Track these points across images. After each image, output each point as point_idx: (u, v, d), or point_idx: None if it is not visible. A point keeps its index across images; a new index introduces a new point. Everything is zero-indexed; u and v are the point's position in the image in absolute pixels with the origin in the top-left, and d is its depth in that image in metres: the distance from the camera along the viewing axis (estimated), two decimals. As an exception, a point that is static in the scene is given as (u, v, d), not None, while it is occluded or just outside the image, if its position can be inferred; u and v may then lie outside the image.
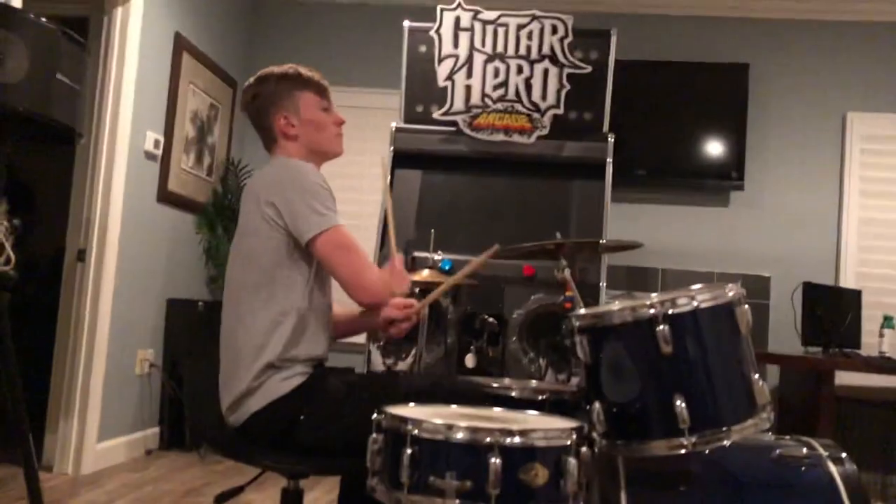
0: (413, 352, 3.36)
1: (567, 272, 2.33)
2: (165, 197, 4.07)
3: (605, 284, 3.38)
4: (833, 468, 1.75)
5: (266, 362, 1.87)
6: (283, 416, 1.86)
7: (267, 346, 1.88)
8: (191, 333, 4.28)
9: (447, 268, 3.35)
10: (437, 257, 3.33)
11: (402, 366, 3.43)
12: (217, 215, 4.51)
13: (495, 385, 2.23)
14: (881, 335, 3.80)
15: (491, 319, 3.35)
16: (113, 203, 3.59)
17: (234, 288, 1.97)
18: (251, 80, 2.13)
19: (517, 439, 1.47)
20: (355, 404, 1.66)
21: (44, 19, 2.39)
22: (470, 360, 3.35)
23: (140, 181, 3.83)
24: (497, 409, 1.85)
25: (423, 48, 3.69)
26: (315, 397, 1.89)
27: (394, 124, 3.67)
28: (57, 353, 3.53)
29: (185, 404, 4.07)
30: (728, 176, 4.46)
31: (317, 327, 1.95)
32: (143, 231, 3.89)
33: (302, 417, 1.86)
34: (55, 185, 3.92)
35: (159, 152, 3.99)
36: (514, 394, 2.13)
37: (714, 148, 4.50)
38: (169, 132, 4.07)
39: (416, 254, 3.40)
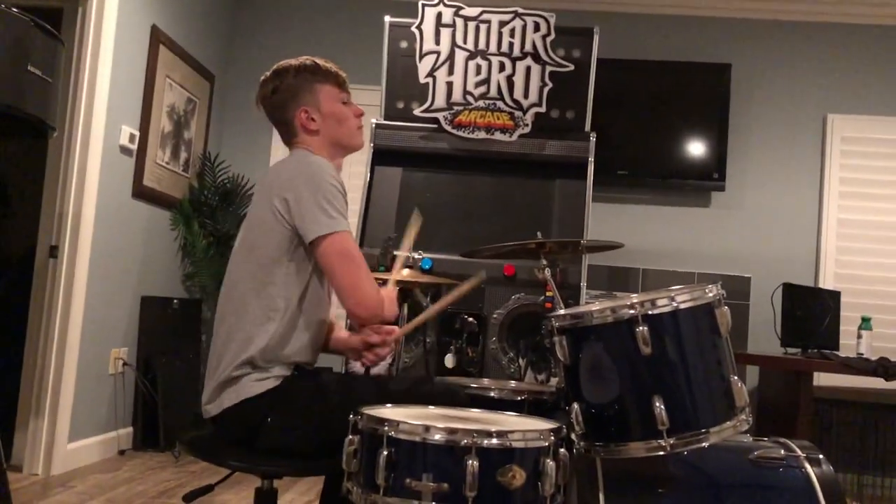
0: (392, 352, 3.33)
1: (548, 272, 2.31)
2: (140, 192, 4.00)
3: (585, 284, 3.37)
4: (810, 469, 1.75)
5: (248, 356, 1.84)
6: (251, 415, 1.84)
7: (253, 339, 1.85)
8: (165, 332, 4.22)
9: (427, 267, 3.33)
10: (417, 256, 3.31)
11: (382, 366, 3.39)
12: (193, 211, 4.45)
13: (474, 385, 2.21)
14: (859, 336, 3.82)
15: (471, 319, 3.33)
16: (87, 198, 3.52)
17: (233, 278, 1.94)
18: (268, 73, 2.05)
19: (495, 441, 1.45)
20: (324, 409, 1.63)
21: (15, 10, 2.34)
22: (450, 360, 3.33)
23: (114, 176, 3.77)
24: (475, 410, 1.83)
25: (404, 44, 3.67)
26: (285, 401, 1.85)
27: (374, 121, 3.63)
28: (28, 351, 3.46)
29: (160, 404, 4.01)
30: (709, 176, 4.47)
31: (306, 333, 1.90)
32: (118, 227, 3.83)
33: (269, 420, 1.83)
34: (27, 180, 3.85)
35: (134, 147, 3.92)
36: (492, 394, 2.11)
37: (695, 148, 4.51)
38: (144, 126, 4.00)
39: (396, 252, 3.37)
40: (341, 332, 2.15)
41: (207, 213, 4.51)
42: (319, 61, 2.05)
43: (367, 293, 1.84)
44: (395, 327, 2.04)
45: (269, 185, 1.92)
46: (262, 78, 2.06)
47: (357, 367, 3.32)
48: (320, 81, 2.02)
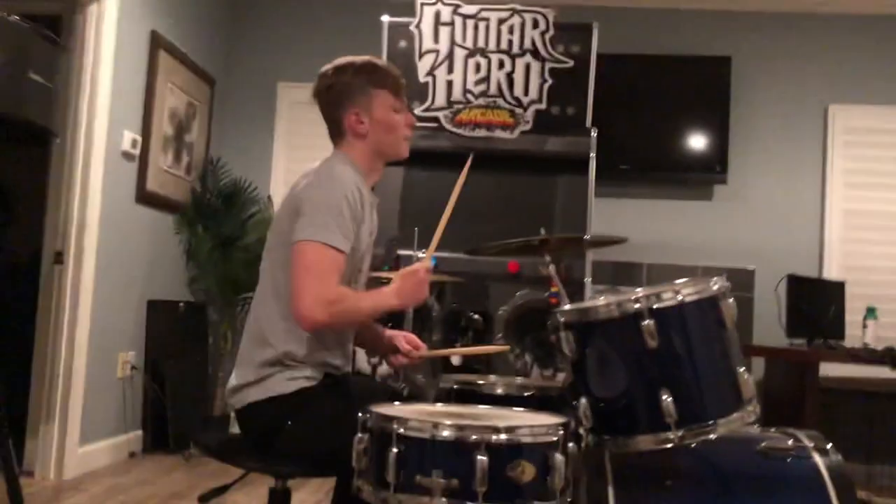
0: (398, 350, 3.33)
1: (552, 268, 2.31)
2: (144, 197, 4.01)
3: (590, 280, 3.38)
4: (819, 459, 1.74)
5: (277, 355, 1.84)
6: (272, 415, 1.83)
7: (284, 333, 1.84)
8: (172, 335, 4.23)
9: (432, 265, 3.33)
10: (421, 255, 3.31)
11: (387, 366, 3.40)
12: (197, 215, 4.46)
13: (480, 382, 2.21)
14: (865, 326, 3.82)
15: (476, 316, 3.34)
16: (90, 204, 3.53)
17: (261, 277, 1.94)
18: (329, 67, 1.99)
19: (503, 436, 1.45)
20: (345, 427, 1.61)
21: (15, 17, 2.35)
22: (456, 359, 3.33)
23: (118, 181, 3.78)
24: (483, 407, 1.83)
25: (403, 43, 3.67)
26: (309, 408, 1.84)
27: (375, 121, 3.64)
28: (36, 357, 3.48)
29: (168, 406, 4.03)
30: (711, 169, 4.47)
31: (331, 334, 1.90)
32: (122, 232, 3.84)
33: (289, 423, 1.82)
34: (31, 186, 3.86)
35: (137, 152, 3.93)
36: (499, 391, 2.12)
37: (697, 141, 4.51)
38: (146, 131, 4.01)
39: (401, 252, 3.38)
40: (380, 328, 2.16)
41: (210, 217, 4.52)
42: (380, 63, 2.00)
43: (306, 305, 1.74)
44: (423, 346, 2.09)
45: (293, 188, 1.92)
46: (322, 71, 2.01)
47: (363, 364, 3.34)
48: (376, 85, 1.96)
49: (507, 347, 2.38)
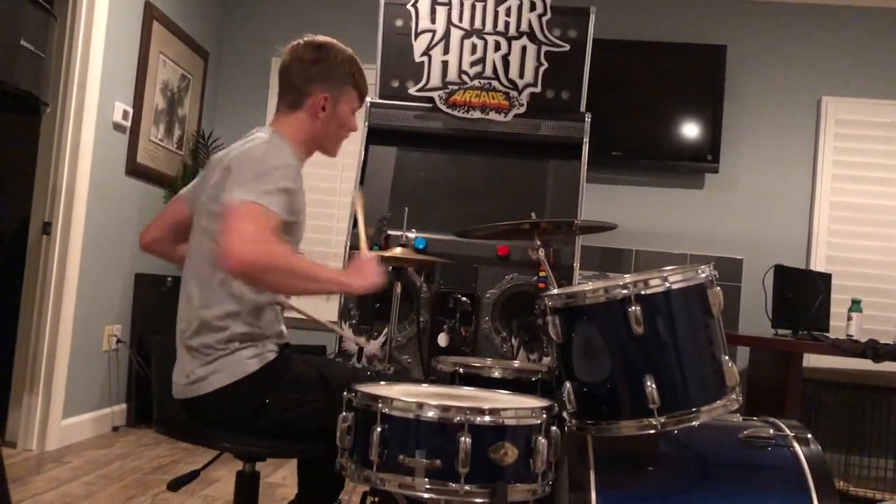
0: (385, 330, 3.34)
1: (541, 252, 2.31)
2: (134, 169, 3.99)
3: (578, 265, 3.38)
4: (798, 448, 1.76)
5: (237, 333, 1.80)
6: (248, 396, 1.81)
7: (234, 314, 1.81)
8: (159, 309, 4.22)
9: (421, 246, 3.34)
10: (410, 235, 3.31)
11: (374, 344, 3.41)
12: (188, 189, 4.43)
13: (477, 365, 2.22)
14: (849, 318, 3.85)
15: (464, 299, 3.34)
16: (80, 175, 3.51)
17: (203, 244, 1.86)
18: (320, 41, 2.00)
19: (487, 418, 1.47)
20: (324, 390, 1.62)
21: (6, -17, 2.32)
22: (443, 339, 3.34)
23: (108, 153, 3.75)
24: (468, 389, 1.84)
25: (399, 22, 3.65)
26: (282, 379, 1.84)
27: (368, 100, 3.62)
28: (21, 328, 3.46)
29: (154, 382, 4.01)
30: (703, 158, 4.48)
31: (261, 294, 1.85)
32: (111, 204, 3.81)
33: (267, 401, 1.80)
34: (20, 156, 3.82)
35: (128, 124, 3.90)
36: (484, 373, 2.13)
37: (690, 130, 4.51)
38: (138, 103, 3.98)
39: (391, 232, 3.38)
40: None
41: (201, 191, 4.49)
42: (361, 65, 2.03)
43: (231, 243, 1.62)
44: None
45: (226, 160, 1.86)
46: (306, 41, 2.00)
47: (351, 346, 3.34)
48: (353, 84, 2.00)
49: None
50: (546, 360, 3.23)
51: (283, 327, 1.94)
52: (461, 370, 2.07)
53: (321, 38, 2.01)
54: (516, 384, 2.01)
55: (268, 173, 1.74)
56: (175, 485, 1.91)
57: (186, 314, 1.89)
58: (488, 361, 2.39)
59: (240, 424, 1.82)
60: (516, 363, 2.42)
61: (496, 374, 2.08)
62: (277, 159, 1.81)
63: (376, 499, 2.22)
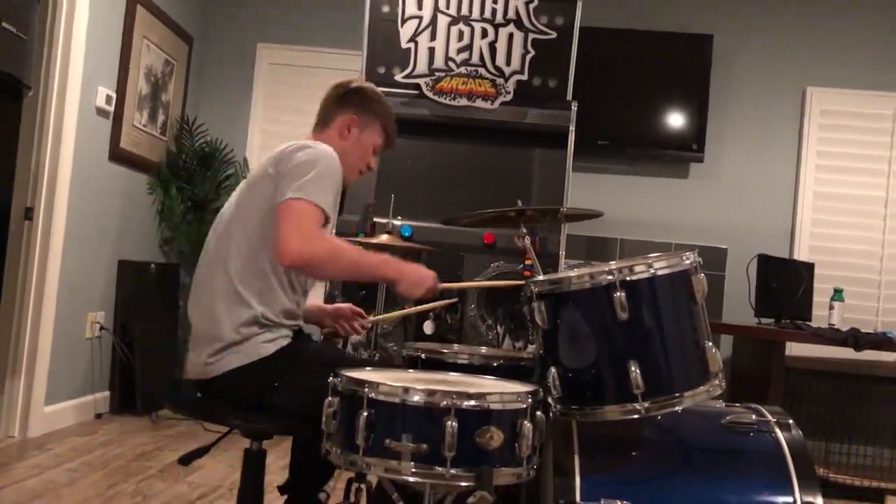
0: (370, 318, 3.34)
1: (527, 240, 2.32)
2: (117, 155, 3.95)
3: (564, 253, 3.39)
4: (780, 434, 1.78)
5: (258, 313, 1.88)
6: (261, 378, 1.86)
7: (260, 294, 1.89)
8: (142, 296, 4.19)
9: (407, 234, 3.33)
10: (396, 223, 3.30)
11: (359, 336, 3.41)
12: (171, 176, 4.41)
13: (445, 351, 2.22)
14: (831, 307, 3.89)
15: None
16: (62, 160, 3.47)
17: (242, 225, 1.95)
18: (372, 85, 2.21)
19: (473, 402, 1.47)
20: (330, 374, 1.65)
21: (-14, -37, 2.28)
22: (428, 327, 3.34)
23: (91, 138, 3.71)
24: (454, 374, 1.85)
25: (385, 8, 3.62)
26: (295, 363, 1.89)
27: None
28: (3, 314, 3.43)
29: (137, 368, 4.00)
30: (688, 147, 4.49)
31: (296, 290, 1.98)
32: (94, 190, 3.78)
33: (277, 384, 1.86)
34: (0, 140, 3.78)
35: (111, 109, 3.86)
36: (472, 360, 2.13)
37: (675, 119, 4.53)
38: (121, 88, 3.94)
39: (377, 219, 3.37)
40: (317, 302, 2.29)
41: (185, 178, 4.47)
42: (394, 121, 2.18)
43: (289, 237, 1.79)
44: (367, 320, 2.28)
45: (275, 156, 1.96)
46: (365, 80, 2.25)
47: (355, 337, 3.34)
48: (383, 127, 2.15)
49: (455, 300, 2.45)
50: (531, 347, 3.24)
51: (301, 315, 2.03)
52: (423, 356, 2.07)
53: (372, 84, 2.22)
54: (482, 370, 2.00)
55: (321, 174, 1.87)
56: (185, 459, 1.95)
57: (210, 293, 1.94)
58: (455, 347, 2.39)
59: (248, 404, 1.87)
60: (483, 349, 2.41)
61: (462, 360, 2.08)
62: (328, 158, 1.93)
63: (361, 486, 2.23)
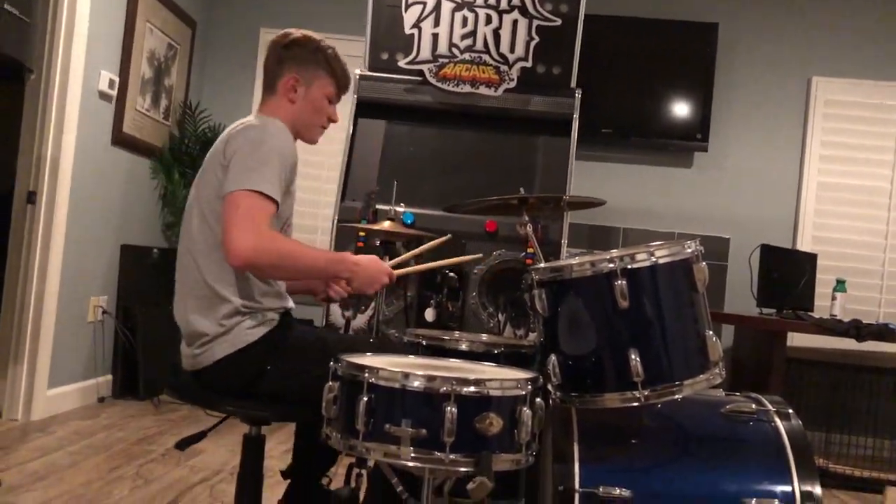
0: (372, 305, 3.34)
1: (529, 228, 2.31)
2: (120, 139, 3.95)
3: (566, 242, 3.38)
4: (780, 423, 1.77)
5: (238, 304, 1.85)
6: (249, 364, 1.85)
7: (237, 285, 1.86)
8: (145, 281, 4.20)
9: (409, 221, 3.33)
10: (399, 209, 3.30)
11: (362, 318, 3.42)
12: (174, 160, 4.40)
13: (446, 338, 2.22)
14: (833, 298, 3.88)
15: (451, 274, 3.34)
16: (65, 144, 3.47)
17: (203, 220, 1.90)
18: (300, 32, 2.05)
19: (472, 388, 1.47)
20: (326, 357, 1.64)
21: (-11, -55, 2.27)
22: (430, 315, 3.34)
23: (94, 122, 3.71)
24: (454, 360, 1.85)
25: (390, -6, 3.61)
26: (283, 347, 1.88)
27: (358, 72, 3.59)
28: (6, 298, 3.44)
29: (139, 353, 4.02)
30: (693, 137, 4.48)
31: (266, 279, 1.92)
32: (97, 174, 3.78)
33: (269, 368, 1.85)
34: (3, 124, 3.78)
35: (114, 93, 3.86)
36: (472, 347, 2.13)
37: (680, 108, 4.51)
38: (125, 72, 3.93)
39: (379, 206, 3.36)
40: None
41: (188, 163, 4.46)
42: (341, 59, 2.07)
43: (235, 240, 1.71)
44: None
45: (225, 138, 1.91)
46: (289, 31, 2.06)
47: (338, 319, 3.35)
48: (328, 71, 2.04)
49: (477, 255, 2.44)
50: (532, 335, 3.24)
51: (287, 296, 1.99)
52: (424, 342, 2.07)
53: (303, 31, 2.06)
54: (483, 357, 2.01)
55: (266, 159, 1.80)
56: (182, 444, 1.95)
57: (188, 290, 1.92)
58: (456, 334, 2.39)
59: (244, 390, 1.86)
60: (484, 336, 2.42)
61: (463, 346, 2.08)
62: (275, 141, 1.86)
63: (362, 471, 2.24)
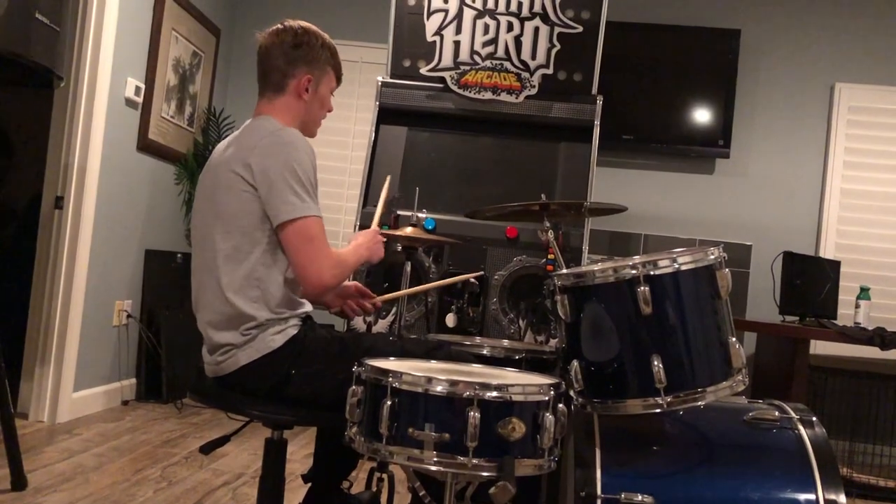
0: (393, 310, 3.36)
1: (550, 234, 2.32)
2: (146, 146, 4.00)
3: (587, 248, 3.39)
4: (803, 431, 1.76)
5: (262, 319, 1.87)
6: (274, 370, 1.87)
7: (256, 302, 1.87)
8: (169, 285, 4.25)
9: (430, 227, 3.35)
10: (420, 215, 3.32)
11: (383, 324, 3.43)
12: (198, 167, 4.45)
13: (468, 343, 2.24)
14: (857, 306, 3.84)
15: (473, 280, 3.35)
16: (92, 150, 3.52)
17: (210, 244, 1.91)
18: (300, 26, 2.06)
19: (496, 394, 1.48)
20: (347, 361, 1.65)
21: (22, -44, 2.32)
22: (450, 320, 3.36)
23: (120, 129, 3.76)
24: (477, 366, 1.86)
25: (412, 1, 3.63)
26: (306, 352, 1.89)
27: (380, 79, 3.62)
28: (33, 301, 3.50)
29: (163, 356, 4.06)
30: (714, 143, 4.46)
31: (294, 285, 1.95)
32: (123, 180, 3.84)
33: (293, 372, 1.87)
34: (32, 130, 3.85)
35: (140, 100, 3.91)
36: (494, 353, 2.14)
37: (701, 115, 4.49)
38: (150, 79, 3.99)
39: (400, 212, 3.38)
40: None
41: (212, 169, 4.51)
42: (338, 56, 2.13)
43: (316, 273, 1.85)
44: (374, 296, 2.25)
45: (234, 150, 1.91)
46: (286, 26, 2.05)
47: (359, 324, 3.37)
48: (333, 67, 2.09)
49: (475, 273, 2.49)
50: (553, 341, 3.24)
51: (305, 301, 2.01)
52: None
53: (301, 22, 2.09)
54: (505, 363, 2.02)
55: (307, 179, 1.86)
56: (207, 448, 1.97)
57: (207, 305, 1.93)
58: (477, 340, 2.40)
59: (267, 395, 1.88)
60: (505, 342, 2.42)
61: (485, 351, 2.10)
62: (303, 154, 1.88)
63: (383, 475, 2.25)
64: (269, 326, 1.88)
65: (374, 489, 2.25)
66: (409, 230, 2.70)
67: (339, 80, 2.13)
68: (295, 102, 2.02)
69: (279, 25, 2.07)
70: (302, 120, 2.04)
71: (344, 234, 4.53)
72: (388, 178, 2.58)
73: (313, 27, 2.09)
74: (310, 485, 2.16)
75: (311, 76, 2.02)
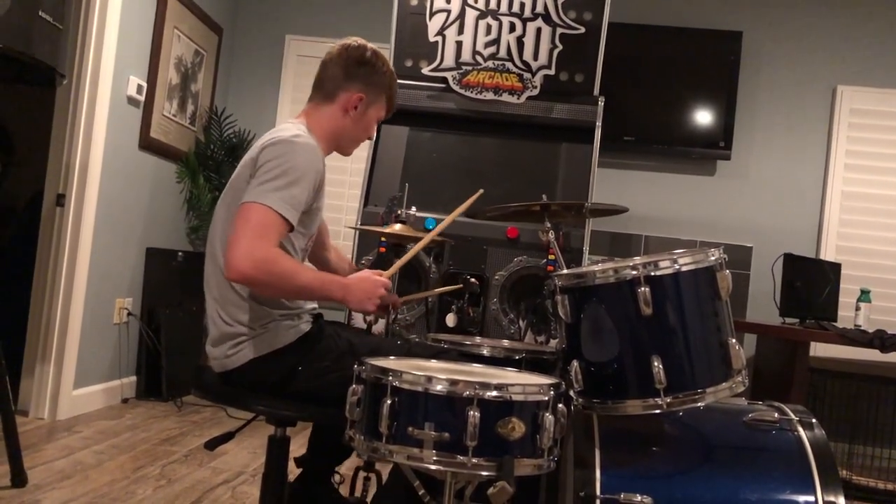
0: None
1: (551, 235, 2.32)
2: (147, 144, 4.01)
3: (587, 249, 3.39)
4: (802, 433, 1.76)
5: (269, 313, 1.87)
6: (281, 365, 1.87)
7: (261, 300, 1.88)
8: (170, 284, 4.25)
9: (431, 227, 3.34)
10: (413, 213, 3.32)
11: (383, 323, 3.43)
12: (199, 165, 4.46)
13: (468, 343, 2.24)
14: (857, 308, 3.84)
15: (473, 280, 3.35)
16: (94, 148, 3.53)
17: (222, 235, 1.92)
18: (368, 46, 2.05)
19: (495, 393, 1.48)
20: (354, 359, 1.65)
21: (25, -46, 2.32)
22: (450, 320, 3.35)
23: (122, 127, 3.77)
24: (476, 365, 1.86)
25: (414, 1, 3.64)
26: (315, 348, 1.90)
27: (381, 79, 3.61)
28: (34, 298, 3.50)
29: (163, 354, 4.06)
30: (716, 145, 4.47)
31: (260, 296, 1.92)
32: (124, 178, 3.84)
33: (300, 368, 1.87)
34: (34, 128, 3.85)
35: (142, 98, 3.92)
36: (494, 353, 2.14)
37: (703, 116, 4.50)
38: (152, 78, 3.99)
39: (400, 211, 3.38)
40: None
41: (213, 168, 4.52)
42: (397, 88, 2.12)
43: (236, 256, 1.72)
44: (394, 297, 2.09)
45: (259, 146, 1.92)
46: (359, 43, 2.04)
47: (359, 321, 3.37)
48: (387, 96, 2.08)
49: (480, 192, 2.37)
50: (553, 342, 3.25)
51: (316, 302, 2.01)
52: (446, 347, 2.08)
53: (372, 45, 2.07)
54: (505, 363, 2.02)
55: (291, 179, 1.79)
56: (211, 444, 1.98)
57: (218, 296, 1.93)
58: (477, 339, 2.41)
59: (271, 390, 1.88)
60: (505, 342, 2.43)
61: (485, 352, 2.10)
62: (302, 160, 1.84)
63: (369, 474, 2.26)
64: (281, 319, 1.89)
65: (359, 493, 2.26)
66: (397, 227, 2.68)
67: (389, 112, 2.12)
68: (340, 116, 2.02)
69: (352, 41, 2.05)
70: (339, 135, 2.03)
71: (344, 234, 4.53)
72: (480, 191, 2.38)
73: (383, 54, 2.08)
74: (300, 470, 2.17)
75: (364, 96, 2.02)
